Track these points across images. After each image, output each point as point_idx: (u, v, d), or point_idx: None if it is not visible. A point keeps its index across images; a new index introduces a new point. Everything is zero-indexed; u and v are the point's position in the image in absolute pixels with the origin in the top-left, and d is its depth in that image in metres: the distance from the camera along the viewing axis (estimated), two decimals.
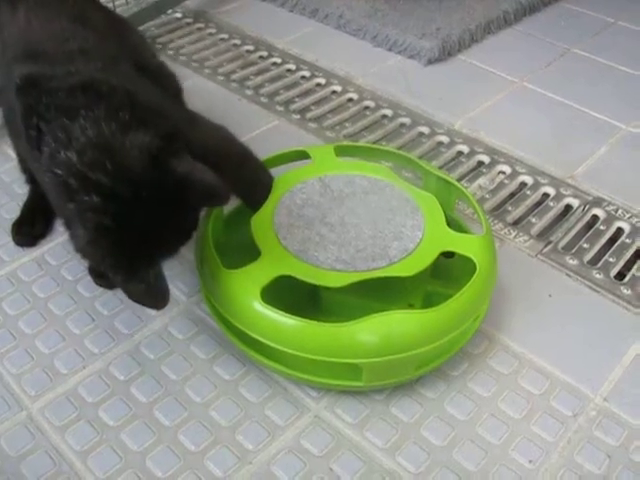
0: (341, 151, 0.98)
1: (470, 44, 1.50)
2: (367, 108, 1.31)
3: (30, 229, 0.99)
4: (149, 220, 0.66)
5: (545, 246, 1.03)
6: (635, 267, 1.00)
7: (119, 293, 0.88)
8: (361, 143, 1.12)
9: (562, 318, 0.91)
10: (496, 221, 1.06)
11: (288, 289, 0.81)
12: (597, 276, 0.98)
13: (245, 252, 0.82)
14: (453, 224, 0.92)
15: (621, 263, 1.01)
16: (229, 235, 0.92)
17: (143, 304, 0.72)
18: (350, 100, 1.34)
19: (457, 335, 0.80)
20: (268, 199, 0.88)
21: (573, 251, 1.02)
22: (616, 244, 1.04)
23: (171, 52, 1.47)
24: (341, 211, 0.88)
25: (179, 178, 0.66)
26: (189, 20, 1.60)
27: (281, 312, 0.75)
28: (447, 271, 0.89)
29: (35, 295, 0.91)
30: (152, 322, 0.87)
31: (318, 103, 1.32)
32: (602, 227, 1.07)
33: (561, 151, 1.21)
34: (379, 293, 0.83)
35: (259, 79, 1.38)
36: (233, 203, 0.88)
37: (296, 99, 1.33)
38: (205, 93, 1.31)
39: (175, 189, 0.66)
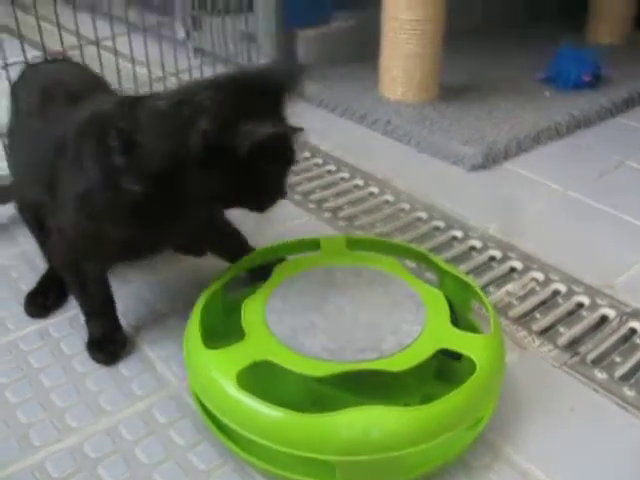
0: (353, 243, 0.96)
1: (518, 153, 1.48)
2: (402, 210, 1.29)
3: (43, 300, 1.00)
4: None
5: (572, 357, 0.95)
6: None
7: (112, 371, 0.87)
8: (374, 236, 1.09)
9: (583, 435, 0.82)
10: (520, 328, 1.00)
11: (282, 380, 0.78)
12: (628, 393, 0.89)
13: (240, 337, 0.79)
14: (466, 325, 0.87)
15: None
16: (229, 320, 0.89)
17: None
18: (387, 202, 1.32)
19: (450, 440, 0.73)
20: (266, 283, 0.86)
21: (603, 364, 0.94)
22: None
23: None
24: (340, 301, 0.85)
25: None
26: None
27: (255, 397, 0.71)
28: (453, 374, 0.83)
29: (30, 365, 0.90)
30: (137, 402, 0.84)
31: (353, 203, 1.32)
32: (639, 341, 0.98)
33: (601, 260, 1.14)
34: (374, 390, 0.78)
35: (297, 178, 1.39)
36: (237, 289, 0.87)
37: (330, 198, 1.33)
38: None
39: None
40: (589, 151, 1.52)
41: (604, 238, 1.21)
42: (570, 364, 0.93)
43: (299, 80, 0.83)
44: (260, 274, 0.92)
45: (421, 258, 0.97)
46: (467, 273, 1.11)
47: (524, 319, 1.02)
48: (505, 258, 1.16)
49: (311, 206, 1.29)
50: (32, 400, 0.85)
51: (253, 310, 0.82)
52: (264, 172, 0.76)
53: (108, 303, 0.92)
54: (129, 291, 1.04)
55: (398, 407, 0.72)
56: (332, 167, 1.44)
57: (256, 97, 0.76)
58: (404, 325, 0.81)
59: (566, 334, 0.99)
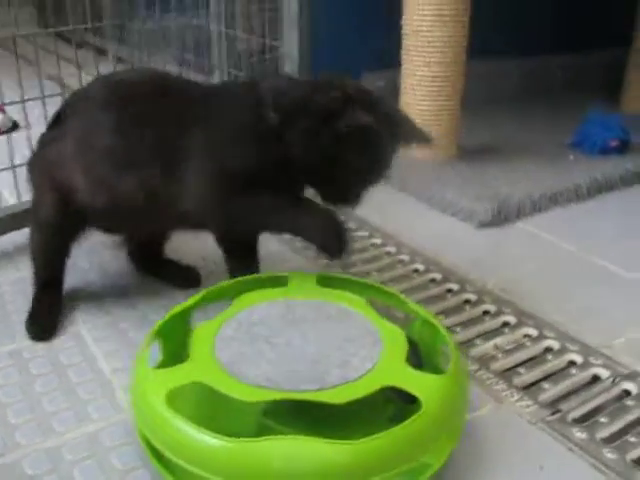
0: (324, 281, 0.94)
1: (532, 212, 1.44)
2: (401, 261, 1.27)
3: (45, 320, 1.02)
4: None
5: (552, 414, 0.89)
6: None
7: (69, 392, 0.86)
8: (346, 275, 1.06)
9: None
10: (501, 382, 0.95)
11: (225, 411, 0.77)
12: (609, 456, 0.82)
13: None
14: (432, 369, 0.83)
15: None
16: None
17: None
18: (388, 253, 1.30)
19: None
20: (224, 311, 0.85)
21: (586, 424, 0.87)
22: None
23: None
24: (293, 333, 0.82)
25: None
26: None
27: (181, 418, 0.68)
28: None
29: None
30: (86, 425, 0.83)
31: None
32: (630, 403, 0.92)
33: (602, 321, 1.09)
34: (320, 428, 0.74)
35: None
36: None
37: None
38: None
39: None
40: (609, 215, 1.47)
41: (608, 299, 1.15)
42: (548, 421, 0.87)
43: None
44: None
45: (391, 298, 0.94)
46: (456, 325, 1.07)
47: (507, 373, 0.97)
48: (499, 313, 1.11)
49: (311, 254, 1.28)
50: None
51: (203, 336, 0.80)
52: (352, 165, 0.89)
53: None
54: (108, 321, 1.05)
55: (328, 440, 0.68)
56: None
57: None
58: (355, 360, 0.78)
59: (550, 391, 0.94)
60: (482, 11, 1.87)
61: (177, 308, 0.87)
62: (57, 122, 1.03)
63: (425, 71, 1.55)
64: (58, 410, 0.86)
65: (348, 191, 0.94)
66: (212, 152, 0.92)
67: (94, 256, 1.24)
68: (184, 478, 0.71)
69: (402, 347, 0.80)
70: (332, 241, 0.91)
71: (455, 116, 1.61)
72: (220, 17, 1.98)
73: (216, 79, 1.99)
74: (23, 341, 1.00)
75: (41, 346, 0.99)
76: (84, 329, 1.02)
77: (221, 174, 0.91)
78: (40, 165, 1.03)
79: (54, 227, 1.02)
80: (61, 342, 0.99)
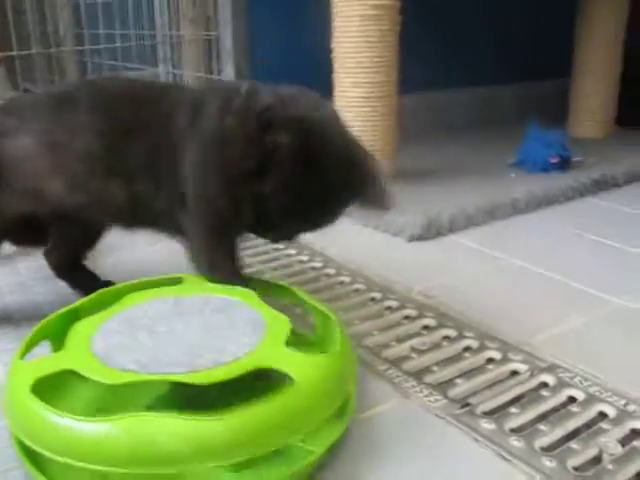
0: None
1: (467, 226, 1.41)
2: (327, 275, 1.24)
3: None
4: None
5: (461, 408, 0.84)
6: (575, 440, 0.78)
7: None
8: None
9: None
10: (411, 379, 0.90)
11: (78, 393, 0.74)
12: (515, 444, 0.77)
13: None
14: None
15: (558, 433, 0.79)
16: None
17: None
18: (313, 268, 1.27)
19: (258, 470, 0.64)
20: (111, 307, 0.82)
21: (495, 416, 0.82)
22: (559, 412, 0.83)
23: None
24: (176, 323, 0.78)
25: None
26: None
27: (43, 404, 0.64)
28: None
29: None
30: None
31: (276, 268, 1.26)
32: (546, 394, 0.87)
33: (524, 319, 1.05)
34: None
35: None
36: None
37: (263, 267, 1.28)
38: None
39: None
40: (547, 226, 1.45)
41: (529, 299, 1.12)
42: (455, 414, 0.82)
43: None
44: None
45: (284, 292, 0.90)
46: (374, 330, 1.03)
47: (419, 372, 0.92)
48: (420, 317, 1.07)
49: None
50: None
51: (82, 329, 0.76)
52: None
53: None
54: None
55: (179, 415, 0.63)
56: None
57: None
58: (232, 346, 0.73)
59: (462, 386, 0.89)
60: (428, 45, 1.90)
61: (66, 309, 0.83)
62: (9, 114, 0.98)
63: (355, 92, 1.55)
64: None
65: (272, 221, 0.88)
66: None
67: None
68: (55, 475, 0.66)
69: (284, 332, 0.76)
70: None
71: (391, 137, 1.60)
72: (167, 61, 2.00)
73: None
74: None
75: None
76: None
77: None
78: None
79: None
80: None
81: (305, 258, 1.30)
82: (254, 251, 1.35)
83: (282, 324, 0.78)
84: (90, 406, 0.75)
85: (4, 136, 0.95)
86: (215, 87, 0.96)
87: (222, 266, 0.92)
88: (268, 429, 0.64)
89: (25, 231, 1.05)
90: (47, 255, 1.13)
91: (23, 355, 0.74)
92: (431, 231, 1.36)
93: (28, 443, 0.65)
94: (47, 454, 0.63)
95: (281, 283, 0.94)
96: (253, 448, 0.63)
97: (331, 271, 1.24)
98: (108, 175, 0.93)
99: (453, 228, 1.39)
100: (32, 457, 0.67)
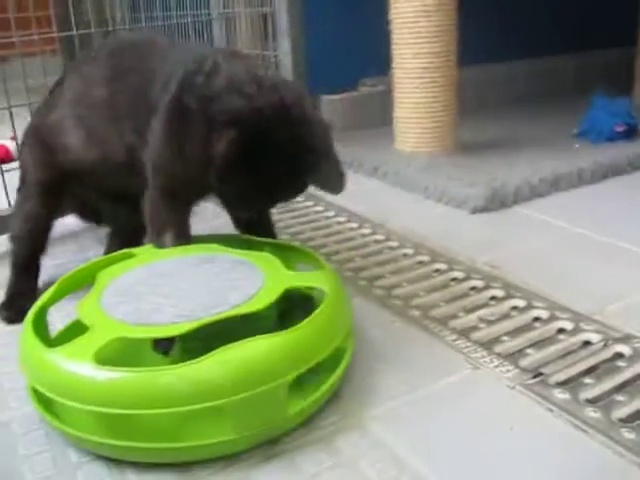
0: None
1: (531, 197, 1.38)
2: (390, 248, 1.22)
3: (23, 303, 0.98)
4: None
5: (533, 377, 0.82)
6: None
7: None
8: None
9: (521, 453, 0.70)
10: (480, 349, 0.89)
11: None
12: (591, 414, 0.75)
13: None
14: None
15: (638, 404, 0.77)
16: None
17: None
18: (376, 241, 1.26)
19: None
20: (93, 287, 0.82)
21: (569, 386, 0.81)
22: (637, 383, 0.81)
23: None
24: (173, 283, 0.82)
25: None
26: None
27: (117, 368, 0.67)
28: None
29: None
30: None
31: (339, 241, 1.26)
32: (622, 364, 0.85)
33: (594, 289, 1.02)
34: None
35: (303, 227, 1.37)
36: None
37: (326, 240, 1.28)
38: None
39: None
40: (612, 197, 1.41)
41: (602, 270, 1.09)
42: (527, 384, 0.81)
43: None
44: None
45: (239, 242, 0.97)
46: (440, 301, 1.02)
47: (489, 342, 0.91)
48: (486, 287, 1.05)
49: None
50: None
51: (89, 309, 0.77)
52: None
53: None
54: None
55: (265, 335, 0.70)
56: (331, 213, 1.41)
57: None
58: (243, 282, 0.80)
59: (534, 356, 0.87)
60: (488, 17, 1.86)
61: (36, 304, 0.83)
62: (54, 89, 1.07)
63: (414, 63, 1.53)
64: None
65: (232, 203, 0.94)
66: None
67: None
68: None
69: (278, 264, 0.85)
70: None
71: (450, 108, 1.57)
72: (222, 38, 2.00)
73: None
74: None
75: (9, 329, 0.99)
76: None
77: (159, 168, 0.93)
78: (34, 131, 1.07)
79: (41, 194, 1.04)
80: None
81: (367, 231, 1.30)
82: (314, 225, 1.35)
83: (269, 258, 0.86)
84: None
85: (50, 110, 1.05)
86: (186, 57, 0.96)
87: (167, 229, 0.93)
88: (327, 335, 0.76)
89: (83, 208, 1.13)
90: (108, 238, 1.19)
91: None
92: (495, 202, 1.33)
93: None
94: (61, 400, 0.68)
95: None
96: (320, 351, 0.73)
97: (393, 244, 1.23)
98: (109, 122, 0.98)
99: (517, 199, 1.36)
100: (46, 404, 0.72)
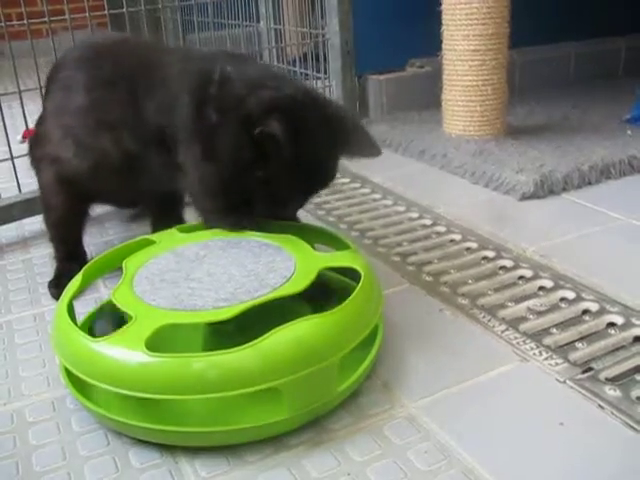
0: (186, 230, 0.96)
1: (581, 185, 1.36)
2: (437, 233, 1.22)
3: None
4: None
5: (583, 372, 0.82)
6: None
7: None
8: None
9: (570, 450, 0.69)
10: (528, 341, 0.88)
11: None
12: None
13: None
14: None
15: None
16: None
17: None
18: (423, 226, 1.26)
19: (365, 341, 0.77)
20: (123, 277, 0.83)
21: (620, 382, 0.80)
22: None
23: None
24: (204, 268, 0.83)
25: None
26: None
27: (174, 354, 0.68)
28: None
29: None
30: None
31: (386, 225, 1.26)
32: None
33: None
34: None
35: (350, 209, 1.37)
36: None
37: (373, 224, 1.28)
38: None
39: None
40: None
41: None
42: (577, 379, 0.81)
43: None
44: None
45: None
46: (488, 290, 1.01)
47: (538, 334, 0.90)
48: (535, 277, 1.04)
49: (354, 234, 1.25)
50: None
51: (125, 299, 0.77)
52: (273, 174, 0.87)
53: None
54: None
55: (315, 315, 0.72)
56: (378, 195, 1.41)
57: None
58: (276, 264, 0.82)
59: (584, 350, 0.87)
60: None
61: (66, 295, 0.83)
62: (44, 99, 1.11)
63: (464, 45, 1.50)
64: None
65: (277, 202, 0.91)
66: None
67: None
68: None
69: (303, 244, 0.87)
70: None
71: (501, 91, 1.55)
72: (269, 17, 2.00)
73: None
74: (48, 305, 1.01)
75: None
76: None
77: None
78: (35, 142, 1.10)
79: (60, 204, 1.06)
80: None
81: (414, 215, 1.29)
82: (361, 208, 1.35)
83: (292, 239, 0.88)
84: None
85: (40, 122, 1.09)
86: (187, 66, 0.98)
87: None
88: (370, 312, 0.79)
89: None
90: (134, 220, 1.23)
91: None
92: (544, 189, 1.32)
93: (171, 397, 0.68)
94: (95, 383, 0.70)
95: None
96: (365, 327, 0.77)
97: (441, 229, 1.23)
98: (97, 129, 0.99)
99: (567, 187, 1.34)
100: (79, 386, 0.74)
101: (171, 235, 0.93)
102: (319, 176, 0.92)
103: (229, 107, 0.88)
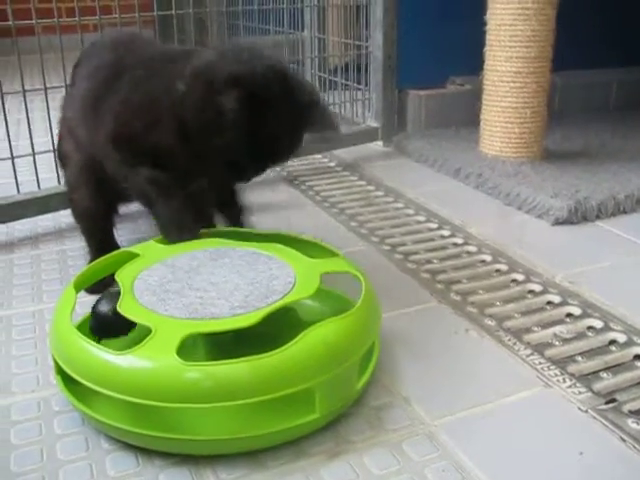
0: (164, 242, 0.96)
1: (615, 213, 1.35)
2: (468, 252, 1.22)
3: None
4: None
5: (606, 403, 0.82)
6: None
7: None
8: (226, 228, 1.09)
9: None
10: (553, 367, 0.88)
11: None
12: None
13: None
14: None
15: None
16: None
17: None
18: (454, 244, 1.26)
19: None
20: (122, 289, 0.81)
21: None
22: None
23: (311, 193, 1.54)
24: (202, 278, 0.83)
25: None
26: (338, 168, 1.68)
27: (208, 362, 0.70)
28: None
29: None
30: None
31: (418, 241, 1.27)
32: None
33: None
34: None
35: (382, 223, 1.37)
36: None
37: (405, 239, 1.29)
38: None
39: None
40: None
41: None
42: (600, 409, 0.80)
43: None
44: None
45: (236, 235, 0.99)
46: (515, 313, 1.01)
47: (563, 360, 0.90)
48: (563, 303, 1.04)
49: (384, 247, 1.26)
50: None
51: (134, 310, 0.76)
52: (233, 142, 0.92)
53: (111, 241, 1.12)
54: None
55: (335, 317, 0.75)
56: (411, 211, 1.42)
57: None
58: (275, 271, 0.84)
59: (608, 381, 0.86)
60: (582, 22, 1.81)
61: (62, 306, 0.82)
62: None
63: (507, 66, 1.51)
64: None
65: (231, 169, 0.97)
66: (118, 111, 0.98)
67: None
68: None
69: (292, 251, 0.89)
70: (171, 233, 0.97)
71: (540, 114, 1.55)
72: (313, 25, 2.02)
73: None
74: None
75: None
76: None
77: (115, 134, 0.97)
78: (59, 140, 1.15)
79: (83, 198, 1.09)
80: None
81: (446, 233, 1.30)
82: (393, 222, 1.36)
83: (280, 248, 0.90)
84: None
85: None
86: (178, 52, 1.05)
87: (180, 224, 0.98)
88: (377, 315, 0.84)
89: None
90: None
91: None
92: (577, 216, 1.31)
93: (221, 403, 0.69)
94: (92, 386, 0.70)
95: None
96: (374, 333, 0.82)
97: (472, 249, 1.23)
98: (96, 123, 1.01)
99: (600, 214, 1.34)
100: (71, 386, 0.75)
101: (152, 247, 0.94)
102: (276, 150, 0.96)
103: (198, 73, 0.93)
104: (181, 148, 0.95)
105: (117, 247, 1.12)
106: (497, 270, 1.15)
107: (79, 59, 1.13)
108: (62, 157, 1.13)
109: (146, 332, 0.72)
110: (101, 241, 1.12)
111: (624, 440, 0.75)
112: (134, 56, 1.04)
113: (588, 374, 0.88)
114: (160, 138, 0.95)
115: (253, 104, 0.89)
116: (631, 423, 0.78)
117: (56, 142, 1.22)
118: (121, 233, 1.22)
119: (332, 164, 1.72)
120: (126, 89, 0.98)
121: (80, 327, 0.79)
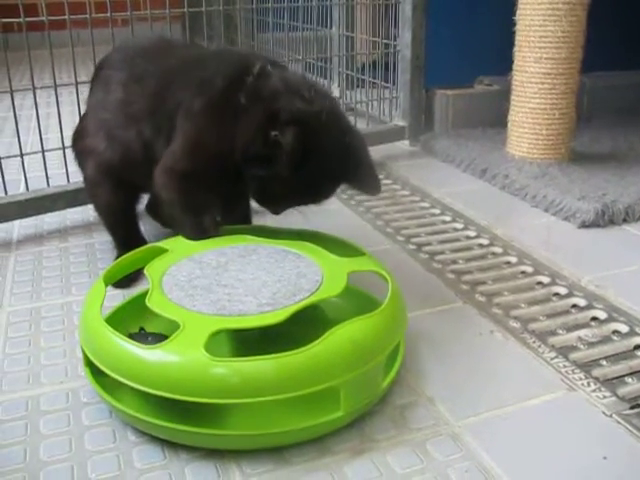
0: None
1: None
2: (493, 253, 1.22)
3: None
4: None
5: (632, 408, 0.82)
6: None
7: None
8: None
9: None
10: (577, 370, 0.88)
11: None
12: None
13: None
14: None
15: None
16: None
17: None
18: (480, 245, 1.26)
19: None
20: (151, 283, 0.83)
21: None
22: None
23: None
24: (230, 274, 0.84)
25: None
26: None
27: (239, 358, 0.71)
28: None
29: None
30: None
31: (443, 241, 1.27)
32: None
33: None
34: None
35: (408, 222, 1.38)
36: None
37: (430, 239, 1.30)
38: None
39: None
40: None
41: None
42: (625, 414, 0.80)
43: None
44: None
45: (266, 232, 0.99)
46: (540, 315, 1.01)
47: (587, 364, 0.90)
48: (589, 307, 1.04)
49: (407, 245, 1.27)
50: None
51: (163, 306, 0.78)
52: (275, 176, 0.91)
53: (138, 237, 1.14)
54: None
55: (362, 316, 0.76)
56: (437, 210, 1.42)
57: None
58: (302, 269, 0.85)
59: (634, 386, 0.86)
60: (610, 23, 1.80)
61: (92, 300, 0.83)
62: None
63: (536, 67, 1.50)
64: None
65: (265, 199, 0.97)
66: (187, 147, 0.97)
67: None
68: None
69: (319, 250, 0.90)
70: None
71: (568, 116, 1.54)
72: (341, 23, 2.02)
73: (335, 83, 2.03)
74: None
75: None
76: None
77: (182, 167, 0.97)
78: (76, 136, 1.17)
79: (103, 194, 1.11)
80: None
81: (472, 234, 1.30)
82: (419, 222, 1.36)
83: (308, 246, 0.91)
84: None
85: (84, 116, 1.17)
86: (228, 58, 1.04)
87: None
88: (403, 312, 0.85)
89: None
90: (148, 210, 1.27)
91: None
92: (604, 219, 1.31)
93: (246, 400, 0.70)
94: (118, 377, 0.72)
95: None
96: (402, 328, 0.83)
97: (497, 250, 1.23)
98: (127, 124, 1.03)
99: (628, 218, 1.33)
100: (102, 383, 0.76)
101: (180, 242, 0.95)
102: (313, 194, 0.96)
103: (261, 97, 0.92)
104: (235, 180, 0.95)
105: (144, 241, 1.14)
106: (522, 272, 1.15)
107: (108, 62, 1.13)
108: (84, 152, 1.13)
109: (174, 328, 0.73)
110: (126, 236, 1.14)
111: None
112: (181, 71, 1.03)
113: (613, 378, 0.87)
114: (221, 171, 0.96)
115: (304, 149, 0.88)
116: None
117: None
118: (148, 228, 1.24)
119: None
120: (192, 120, 0.97)
121: (109, 320, 0.81)
